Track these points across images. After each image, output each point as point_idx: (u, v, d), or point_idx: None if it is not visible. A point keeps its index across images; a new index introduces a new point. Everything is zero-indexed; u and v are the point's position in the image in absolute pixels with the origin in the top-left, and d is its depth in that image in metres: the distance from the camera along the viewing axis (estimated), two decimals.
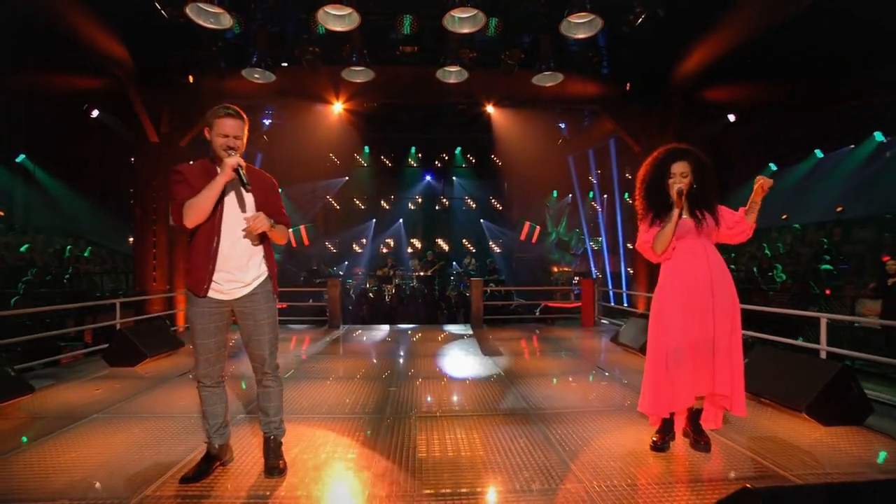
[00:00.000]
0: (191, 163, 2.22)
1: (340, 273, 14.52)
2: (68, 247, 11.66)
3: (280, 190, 2.41)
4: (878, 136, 10.86)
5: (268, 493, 2.11)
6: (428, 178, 16.97)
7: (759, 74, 8.67)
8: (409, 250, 16.61)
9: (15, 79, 8.09)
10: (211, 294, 2.15)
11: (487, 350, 5.55)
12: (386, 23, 6.88)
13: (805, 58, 8.10)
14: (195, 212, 2.05)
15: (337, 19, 5.30)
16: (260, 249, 2.25)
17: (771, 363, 3.27)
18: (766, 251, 9.82)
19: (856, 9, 6.35)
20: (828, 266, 8.82)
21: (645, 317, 6.57)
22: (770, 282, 8.47)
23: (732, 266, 9.42)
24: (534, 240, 17.36)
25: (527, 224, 17.48)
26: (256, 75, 6.87)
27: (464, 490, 2.14)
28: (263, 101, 10.15)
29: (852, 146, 11.20)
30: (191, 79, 8.54)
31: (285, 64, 7.97)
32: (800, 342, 5.51)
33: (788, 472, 2.25)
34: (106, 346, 4.69)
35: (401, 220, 16.83)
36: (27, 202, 12.57)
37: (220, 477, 2.24)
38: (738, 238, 2.50)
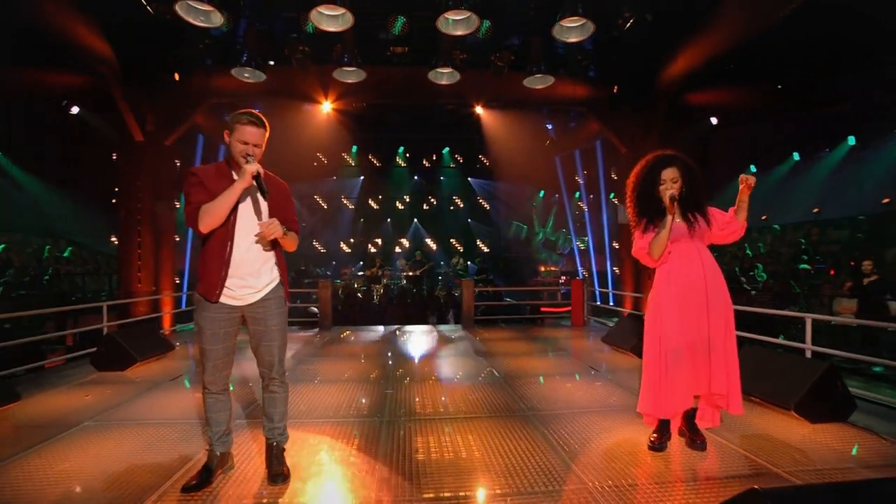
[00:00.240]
0: (200, 165, 2.23)
1: (328, 273, 14.44)
2: (47, 247, 11.32)
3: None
4: (851, 140, 11.27)
5: (272, 500, 2.10)
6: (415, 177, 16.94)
7: (740, 80, 8.91)
8: (398, 250, 16.58)
9: None
10: (223, 300, 2.14)
11: (481, 350, 5.58)
12: (376, 23, 6.86)
13: (783, 65, 8.34)
14: (211, 217, 2.05)
15: (330, 20, 5.27)
16: (272, 255, 2.25)
17: (759, 362, 3.37)
18: (748, 251, 10.09)
19: (829, 21, 6.58)
20: (805, 266, 9.11)
21: (633, 317, 6.70)
22: (752, 281, 8.70)
23: None
24: (521, 240, 17.52)
25: (513, 224, 17.63)
26: (246, 74, 6.78)
27: (469, 493, 2.17)
28: (251, 99, 9.99)
29: (827, 150, 11.59)
30: (176, 77, 8.38)
31: (272, 62, 7.88)
32: (781, 340, 5.69)
33: (781, 470, 2.33)
34: (93, 349, 4.57)
35: (389, 220, 16.79)
36: (1, 200, 12.16)
37: (222, 485, 2.22)
38: (731, 237, 2.57)
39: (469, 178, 17.29)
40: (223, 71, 8.05)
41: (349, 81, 7.22)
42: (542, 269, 16.08)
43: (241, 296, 2.17)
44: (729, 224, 2.51)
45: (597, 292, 10.66)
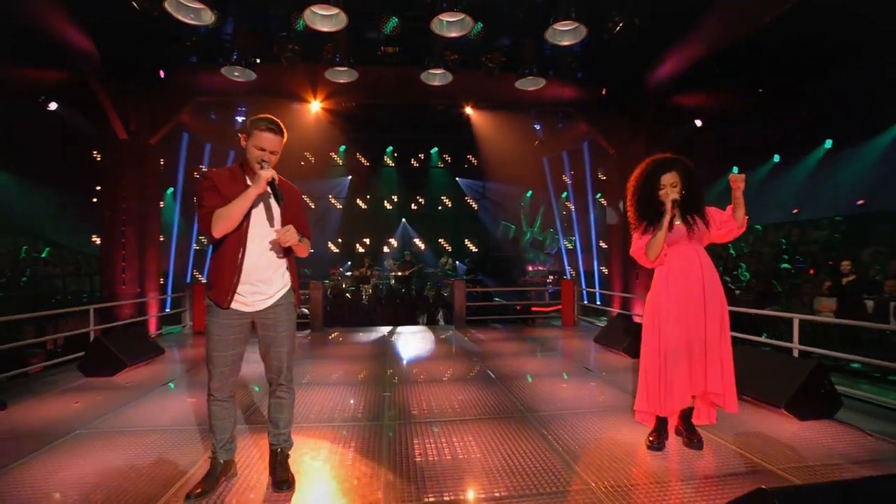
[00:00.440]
0: (214, 168, 2.22)
1: (306, 272, 14.30)
2: (24, 247, 10.98)
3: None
4: (828, 143, 11.64)
5: None
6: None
7: (723, 83, 9.12)
8: (386, 250, 16.51)
9: None
10: (234, 305, 2.13)
11: (474, 351, 5.62)
12: (368, 23, 6.83)
13: (765, 69, 8.57)
14: (225, 222, 2.04)
15: (324, 19, 5.22)
16: (284, 261, 2.24)
17: (749, 362, 3.47)
18: (731, 251, 10.33)
19: (808, 28, 6.79)
20: (786, 265, 9.37)
21: (624, 317, 6.81)
22: (736, 281, 8.92)
23: None
24: (509, 239, 17.62)
25: (501, 224, 17.72)
26: (236, 73, 6.67)
27: (476, 496, 2.18)
28: (237, 98, 9.86)
29: (805, 152, 11.95)
30: (162, 74, 8.21)
31: (258, 60, 7.77)
32: (765, 338, 5.85)
33: (775, 467, 2.41)
34: (80, 354, 4.46)
35: (376, 220, 16.71)
36: None
37: (227, 493, 2.20)
38: (729, 236, 2.64)
39: (457, 178, 17.31)
40: (209, 68, 7.92)
41: (341, 81, 7.16)
42: (530, 268, 16.21)
43: (253, 302, 2.16)
44: (726, 223, 2.58)
45: (584, 292, 10.81)
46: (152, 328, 7.73)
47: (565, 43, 5.70)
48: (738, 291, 8.26)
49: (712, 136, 11.79)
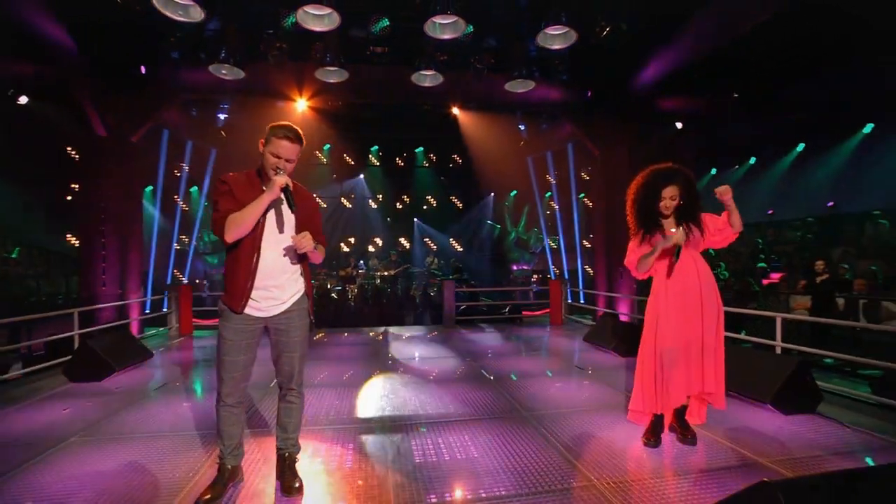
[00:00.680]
0: (233, 173, 2.20)
1: None
2: None
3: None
4: (801, 146, 12.10)
5: None
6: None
7: (703, 87, 9.39)
8: (371, 249, 16.44)
9: None
10: (247, 311, 2.13)
11: (466, 351, 5.67)
12: (357, 22, 6.79)
13: (742, 75, 8.86)
14: (238, 226, 2.04)
15: (316, 19, 5.18)
16: (298, 267, 2.24)
17: (735, 359, 3.60)
18: (711, 251, 10.65)
19: (783, 36, 7.06)
20: (762, 264, 9.72)
21: (612, 316, 6.97)
22: (716, 279, 9.20)
23: None
24: (494, 239, 17.75)
25: (487, 224, 17.83)
26: (224, 71, 6.56)
27: (485, 495, 2.23)
28: (222, 95, 9.68)
29: (780, 154, 12.40)
30: (143, 70, 8.00)
31: (241, 58, 7.65)
32: (744, 335, 6.07)
33: (765, 460, 2.54)
34: (66, 359, 4.34)
35: (362, 219, 16.62)
36: None
37: (235, 498, 2.20)
38: (725, 242, 2.75)
39: (442, 178, 17.35)
40: (193, 65, 7.76)
41: (331, 81, 7.11)
42: (515, 268, 16.36)
43: (266, 307, 2.16)
44: (722, 231, 2.69)
45: (568, 291, 10.99)
46: (134, 331, 7.53)
47: (556, 47, 5.80)
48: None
49: (692, 137, 12.14)
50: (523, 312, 9.23)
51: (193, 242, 14.01)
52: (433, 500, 2.19)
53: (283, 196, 2.10)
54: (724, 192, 2.55)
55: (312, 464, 2.57)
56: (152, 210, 11.94)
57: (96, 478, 2.42)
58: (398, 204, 17.33)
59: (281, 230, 2.17)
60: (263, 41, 7.12)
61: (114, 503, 2.18)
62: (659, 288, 2.69)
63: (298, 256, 2.22)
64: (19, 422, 3.32)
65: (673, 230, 2.68)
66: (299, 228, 2.17)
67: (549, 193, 15.99)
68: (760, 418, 3.15)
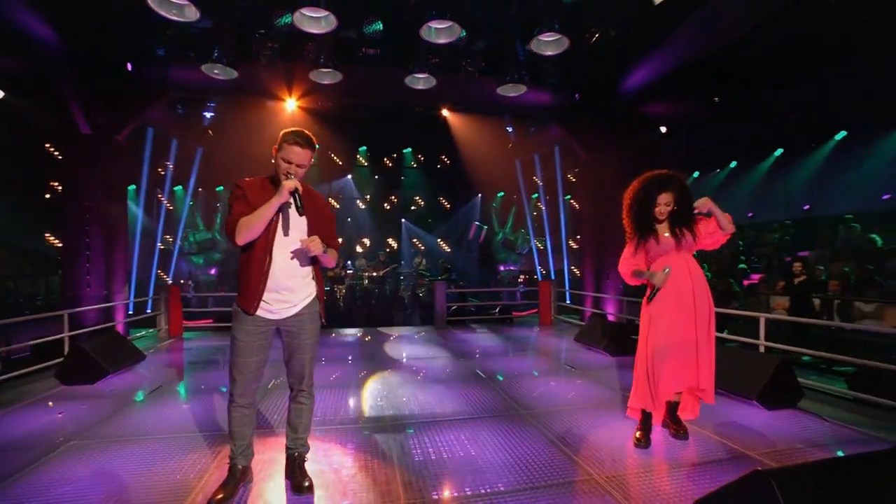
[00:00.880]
0: (249, 178, 2.25)
1: None
2: None
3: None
4: (779, 151, 12.52)
5: None
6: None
7: (688, 93, 9.66)
8: (359, 249, 16.40)
9: None
10: (259, 313, 2.17)
11: (459, 351, 5.75)
12: (349, 23, 6.81)
13: (724, 81, 9.14)
14: (248, 230, 2.09)
15: (313, 21, 5.20)
16: (309, 271, 2.28)
17: (722, 357, 3.75)
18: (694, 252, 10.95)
19: (763, 44, 7.33)
20: (743, 265, 10.04)
21: (601, 316, 7.14)
22: None
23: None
24: (481, 240, 17.88)
25: (474, 225, 17.96)
26: (216, 71, 6.51)
27: (491, 489, 2.31)
28: (211, 95, 9.57)
29: (759, 159, 12.81)
30: (129, 67, 7.87)
31: (235, 57, 7.60)
32: (726, 334, 6.28)
33: (753, 452, 2.68)
34: (56, 362, 4.28)
35: (349, 220, 16.57)
36: None
37: (247, 498, 2.24)
38: (717, 243, 2.85)
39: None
40: (181, 64, 7.67)
41: (325, 82, 7.12)
42: (502, 268, 16.52)
43: (277, 310, 2.20)
44: (713, 234, 2.81)
45: (558, 292, 11.15)
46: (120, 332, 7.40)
47: (549, 53, 5.93)
48: None
49: (676, 141, 12.47)
50: (513, 313, 9.35)
51: (178, 242, 13.80)
52: (441, 496, 2.26)
53: (291, 200, 2.14)
54: (704, 205, 2.69)
55: (317, 463, 2.61)
56: (135, 209, 11.72)
57: (104, 479, 2.43)
58: (386, 204, 17.34)
59: (293, 234, 2.21)
60: (256, 41, 7.09)
61: (124, 503, 2.20)
62: (654, 290, 2.80)
63: (310, 260, 2.26)
64: (13, 426, 3.27)
65: (667, 234, 2.81)
66: (311, 232, 2.22)
67: (536, 195, 16.21)
68: (747, 414, 3.31)
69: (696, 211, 2.74)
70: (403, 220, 17.39)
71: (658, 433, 2.94)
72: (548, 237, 15.77)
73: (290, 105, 9.26)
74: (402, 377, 4.55)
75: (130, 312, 8.99)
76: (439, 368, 4.92)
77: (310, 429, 2.39)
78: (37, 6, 6.19)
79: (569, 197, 14.95)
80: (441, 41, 5.67)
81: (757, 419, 3.22)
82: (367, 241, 16.72)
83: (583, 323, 7.80)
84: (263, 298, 2.16)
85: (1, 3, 5.85)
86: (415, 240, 17.31)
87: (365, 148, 16.11)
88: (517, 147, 14.74)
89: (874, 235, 8.63)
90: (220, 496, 2.16)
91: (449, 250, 17.58)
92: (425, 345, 6.31)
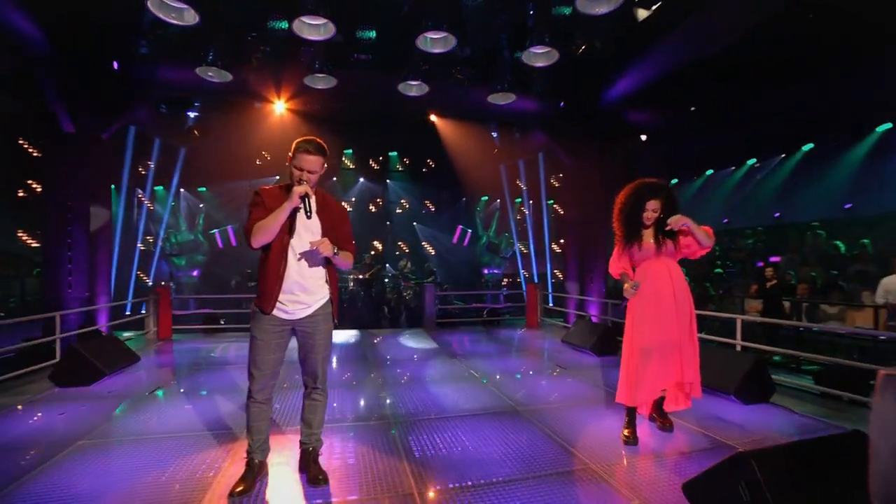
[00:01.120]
0: (268, 186, 2.37)
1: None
2: None
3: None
4: (751, 160, 13.12)
5: (326, 500, 2.26)
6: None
7: (667, 103, 10.07)
8: None
9: None
10: (275, 313, 2.28)
11: (452, 352, 5.90)
12: (343, 30, 6.92)
13: (701, 93, 9.57)
14: (262, 233, 2.21)
15: (312, 28, 5.30)
16: (323, 274, 2.39)
17: (702, 355, 4.02)
18: None
19: (738, 58, 7.74)
20: (719, 270, 10.49)
21: (586, 318, 7.39)
22: None
23: None
24: (465, 243, 18.10)
25: (458, 228, 18.16)
26: (210, 73, 6.52)
27: (495, 479, 2.47)
28: (198, 95, 9.51)
29: (733, 167, 13.40)
30: (115, 66, 7.78)
31: (227, 59, 7.61)
32: (704, 335, 6.61)
33: (732, 442, 2.91)
34: (53, 363, 4.25)
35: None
36: None
37: (266, 490, 2.34)
38: (696, 255, 3.06)
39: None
40: (168, 63, 7.63)
41: (319, 87, 7.20)
42: (486, 271, 16.76)
43: (293, 310, 2.31)
44: (689, 246, 3.01)
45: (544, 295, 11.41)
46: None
47: (539, 64, 6.16)
48: None
49: (656, 149, 12.94)
50: (500, 314, 9.56)
51: (159, 243, 13.56)
52: (449, 486, 2.40)
53: (301, 205, 2.25)
54: (676, 223, 2.78)
55: (329, 457, 2.71)
56: (115, 209, 11.49)
57: (121, 476, 2.49)
58: (371, 207, 17.39)
59: (308, 238, 2.32)
60: (248, 44, 7.12)
61: (147, 498, 2.27)
62: (637, 294, 3.00)
63: (323, 262, 2.38)
64: (25, 426, 3.29)
65: (651, 241, 3.02)
66: (325, 235, 2.33)
67: (520, 199, 16.52)
68: (725, 408, 3.56)
69: (667, 227, 2.83)
70: (388, 222, 17.46)
71: (645, 426, 3.16)
72: (531, 241, 16.09)
73: (279, 107, 9.29)
74: (397, 377, 4.67)
75: (120, 314, 8.84)
76: (433, 369, 5.06)
77: (323, 424, 2.50)
78: (20, 2, 6.10)
79: (551, 201, 15.30)
80: (436, 51, 5.83)
81: (735, 412, 3.47)
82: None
83: (566, 325, 8.05)
84: (279, 299, 2.27)
85: None
86: (399, 242, 17.39)
87: (351, 151, 16.14)
88: (502, 152, 15.01)
89: (838, 242, 9.15)
90: (241, 488, 2.26)
91: (434, 253, 17.73)
92: (417, 346, 6.44)
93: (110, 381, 4.29)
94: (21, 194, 11.91)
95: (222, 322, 8.02)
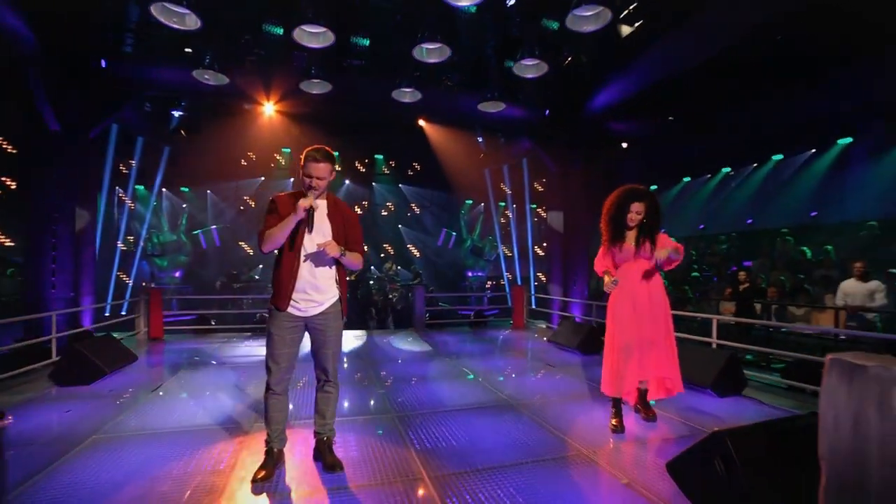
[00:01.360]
0: (283, 193, 2.53)
1: (256, 277, 13.94)
2: None
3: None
4: (726, 169, 13.74)
5: (340, 485, 2.42)
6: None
7: (647, 112, 10.52)
8: None
9: None
10: (290, 310, 2.45)
11: (443, 353, 6.09)
12: (341, 37, 7.07)
13: (680, 103, 10.03)
14: (271, 241, 2.39)
15: (312, 37, 5.44)
16: (334, 274, 2.55)
17: (681, 352, 4.32)
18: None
19: (716, 70, 8.19)
20: (696, 273, 10.97)
21: (571, 319, 7.69)
22: None
23: None
24: (450, 245, 18.33)
25: (443, 231, 18.38)
26: (206, 76, 6.57)
27: (497, 464, 2.67)
28: (186, 94, 9.49)
29: (709, 175, 14.00)
30: (103, 64, 7.74)
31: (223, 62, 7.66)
32: (683, 334, 6.97)
33: (708, 429, 3.17)
34: (53, 361, 4.27)
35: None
36: None
37: (286, 477, 2.49)
38: (671, 266, 3.31)
39: (401, 185, 17.72)
40: (156, 62, 7.64)
41: (314, 92, 7.33)
42: (470, 274, 17.02)
43: (305, 308, 2.48)
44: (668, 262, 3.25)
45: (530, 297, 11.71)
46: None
47: (529, 76, 6.43)
48: None
49: (636, 157, 13.43)
50: (485, 313, 9.79)
51: (141, 243, 13.36)
52: (455, 471, 2.60)
53: (305, 216, 2.38)
54: (660, 257, 3.03)
55: (341, 448, 2.87)
56: (97, 207, 11.29)
57: (140, 468, 2.60)
58: (357, 209, 17.47)
59: (318, 241, 2.46)
60: (242, 47, 7.19)
61: (170, 487, 2.39)
62: (615, 293, 3.26)
63: (333, 264, 2.53)
64: (36, 423, 3.33)
65: (631, 244, 3.27)
66: (335, 238, 2.48)
67: (503, 203, 16.86)
68: (703, 400, 3.86)
69: (654, 263, 3.13)
70: (400, 225, 17.62)
71: (631, 417, 3.41)
72: (515, 244, 16.42)
73: (268, 109, 9.34)
74: (394, 376, 4.84)
75: (107, 314, 8.73)
76: (430, 367, 5.25)
77: (335, 415, 2.67)
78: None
79: (535, 206, 15.67)
80: (431, 61, 6.04)
81: (711, 404, 3.77)
82: None
83: (551, 326, 8.34)
84: (293, 298, 2.44)
85: None
86: (385, 244, 17.50)
87: (338, 153, 16.20)
88: (488, 157, 15.32)
89: (805, 248, 9.71)
90: (262, 475, 2.41)
91: (419, 255, 17.89)
92: (409, 346, 6.61)
93: (109, 381, 4.33)
94: None
95: (213, 322, 8.02)
